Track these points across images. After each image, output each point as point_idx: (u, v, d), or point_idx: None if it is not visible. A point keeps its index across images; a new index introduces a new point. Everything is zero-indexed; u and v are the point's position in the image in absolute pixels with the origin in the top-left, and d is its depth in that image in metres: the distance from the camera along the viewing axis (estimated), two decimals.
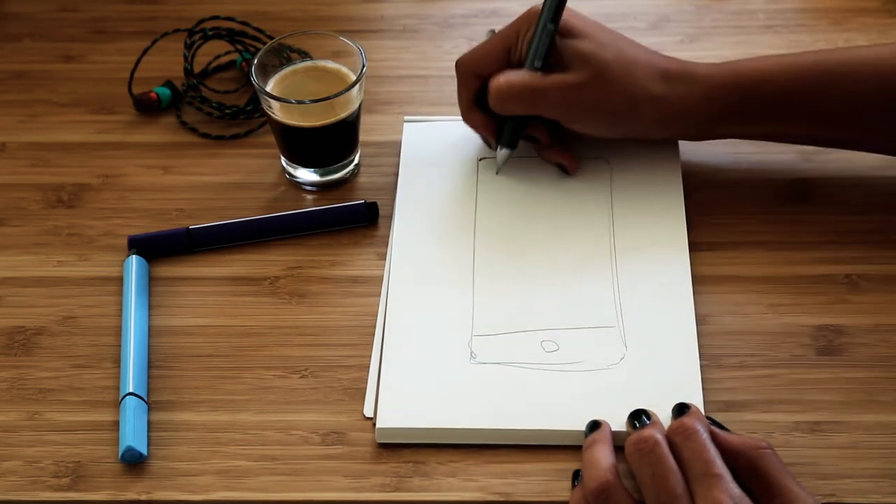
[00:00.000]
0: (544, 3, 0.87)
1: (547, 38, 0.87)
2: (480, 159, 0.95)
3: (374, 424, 0.80)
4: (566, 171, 0.92)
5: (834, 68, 0.87)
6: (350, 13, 1.09)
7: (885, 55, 0.86)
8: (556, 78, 0.87)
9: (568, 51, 0.87)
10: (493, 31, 0.92)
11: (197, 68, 1.03)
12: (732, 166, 0.94)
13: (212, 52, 1.04)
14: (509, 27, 0.90)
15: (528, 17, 0.89)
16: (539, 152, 0.93)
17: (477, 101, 0.91)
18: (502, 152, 0.91)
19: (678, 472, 0.72)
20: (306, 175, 0.94)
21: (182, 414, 0.82)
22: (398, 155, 0.96)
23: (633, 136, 0.91)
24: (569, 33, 0.88)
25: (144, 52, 1.02)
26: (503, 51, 0.90)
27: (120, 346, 0.85)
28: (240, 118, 1.00)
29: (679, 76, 0.88)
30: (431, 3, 1.09)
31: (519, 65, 0.89)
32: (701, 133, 0.90)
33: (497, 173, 0.93)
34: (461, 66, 0.91)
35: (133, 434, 0.79)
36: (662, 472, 0.72)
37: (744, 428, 0.79)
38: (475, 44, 1.03)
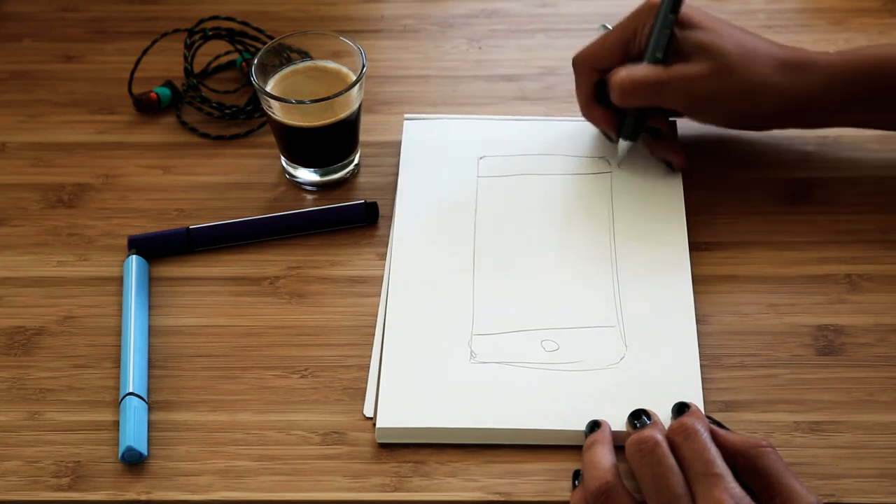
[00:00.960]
0: None
1: (667, 30, 0.88)
2: (481, 158, 0.95)
3: (374, 424, 0.80)
4: (671, 167, 0.92)
5: None
6: (350, 13, 1.09)
7: None
8: (678, 69, 0.87)
9: (688, 42, 0.88)
10: (604, 27, 0.92)
11: (197, 68, 1.03)
12: (733, 166, 0.94)
13: (212, 52, 1.04)
14: (627, 20, 0.90)
15: (646, 10, 0.89)
16: (649, 148, 0.93)
17: (596, 96, 0.91)
18: (623, 144, 0.92)
19: (679, 472, 0.72)
20: (306, 175, 0.94)
21: (182, 414, 0.82)
22: (398, 155, 0.96)
23: (754, 126, 0.91)
24: (688, 25, 0.88)
25: (144, 52, 1.02)
26: (622, 44, 0.90)
27: (120, 346, 0.85)
28: (240, 118, 1.00)
29: (799, 66, 0.88)
30: (431, 3, 1.09)
31: (638, 58, 0.89)
32: (821, 121, 0.91)
33: (619, 166, 0.93)
34: (580, 61, 0.91)
35: (133, 434, 0.79)
36: (663, 472, 0.72)
37: (744, 428, 0.79)
38: (475, 44, 1.04)
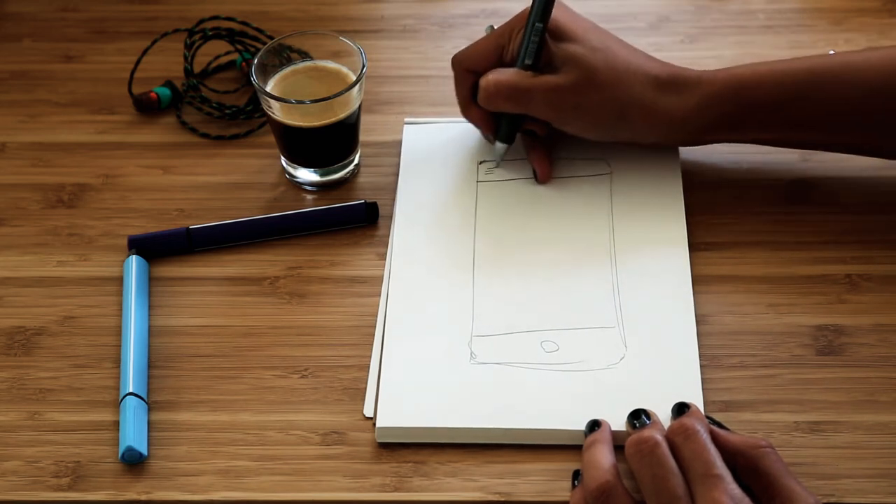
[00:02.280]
0: (532, 3, 0.88)
1: (536, 38, 0.88)
2: (480, 162, 0.95)
3: (374, 424, 0.80)
4: (535, 178, 0.93)
5: (824, 75, 0.87)
6: (350, 13, 1.09)
7: (874, 60, 0.86)
8: (543, 79, 0.88)
9: (559, 53, 0.88)
10: (492, 28, 0.92)
11: (197, 68, 1.03)
12: (732, 166, 0.94)
13: (212, 52, 1.04)
14: (504, 26, 0.90)
15: (521, 17, 0.89)
16: (526, 151, 0.93)
17: (474, 97, 0.91)
18: (499, 147, 0.92)
19: (678, 473, 0.72)
20: (306, 175, 0.94)
21: (182, 414, 0.82)
22: (398, 155, 0.96)
23: (623, 140, 0.91)
24: (562, 36, 0.88)
25: (144, 52, 1.02)
26: (496, 49, 0.90)
27: (120, 346, 0.85)
28: (240, 118, 1.00)
29: (670, 84, 0.88)
30: (431, 3, 1.09)
31: (511, 63, 0.89)
32: (692, 139, 0.91)
33: (496, 166, 0.93)
34: (456, 62, 0.92)
35: (133, 434, 0.79)
36: (663, 473, 0.72)
37: (744, 428, 0.79)
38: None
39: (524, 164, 0.94)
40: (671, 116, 0.87)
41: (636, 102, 0.87)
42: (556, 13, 0.88)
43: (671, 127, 0.88)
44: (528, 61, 0.88)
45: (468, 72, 0.91)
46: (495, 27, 0.92)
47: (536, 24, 0.87)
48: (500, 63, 0.90)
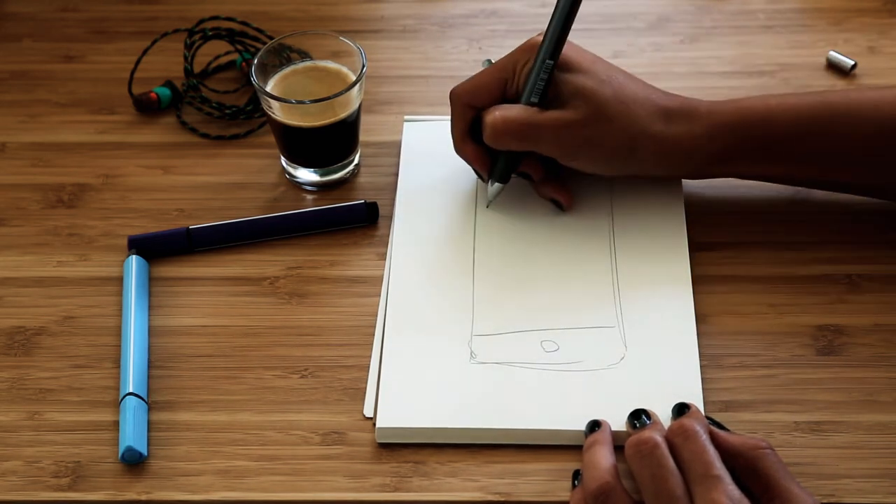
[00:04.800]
0: (544, 38, 0.85)
1: (545, 74, 0.85)
2: None
3: (374, 424, 0.80)
4: (560, 207, 0.90)
5: (836, 110, 0.85)
6: (350, 13, 1.09)
7: (888, 98, 0.84)
8: (552, 115, 0.85)
9: (566, 86, 0.85)
10: (489, 61, 0.89)
11: (197, 68, 1.03)
12: None
13: (212, 52, 1.04)
14: (506, 59, 0.87)
15: (526, 49, 0.86)
16: (534, 187, 0.91)
17: (470, 133, 0.89)
18: (494, 187, 0.89)
19: (678, 473, 0.72)
20: (306, 175, 0.95)
21: (182, 414, 0.82)
22: (398, 155, 0.96)
23: (631, 174, 0.89)
24: (567, 67, 0.86)
25: (144, 52, 1.02)
26: (499, 83, 0.87)
27: (120, 346, 0.85)
28: (240, 118, 1.00)
29: (679, 114, 0.85)
30: (431, 3, 1.09)
31: (515, 98, 0.87)
32: (700, 172, 0.88)
33: (487, 206, 0.91)
34: (455, 96, 0.88)
35: (133, 434, 0.79)
36: (662, 473, 0.72)
37: (744, 428, 0.79)
38: (475, 44, 1.04)
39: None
40: (681, 147, 0.85)
41: (646, 134, 0.85)
42: None
43: (680, 158, 0.86)
44: (534, 98, 0.85)
45: (468, 106, 0.88)
46: (493, 60, 0.89)
47: (547, 62, 0.85)
48: (503, 97, 0.87)
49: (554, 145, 0.86)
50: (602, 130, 0.85)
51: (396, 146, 0.97)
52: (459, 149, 0.90)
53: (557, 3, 0.85)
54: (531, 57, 0.86)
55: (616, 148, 0.85)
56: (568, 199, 0.90)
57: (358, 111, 0.92)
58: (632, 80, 0.87)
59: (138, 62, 1.02)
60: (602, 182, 0.92)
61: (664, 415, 0.78)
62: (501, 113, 0.86)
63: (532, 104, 0.85)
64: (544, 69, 0.85)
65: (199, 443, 0.80)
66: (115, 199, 0.95)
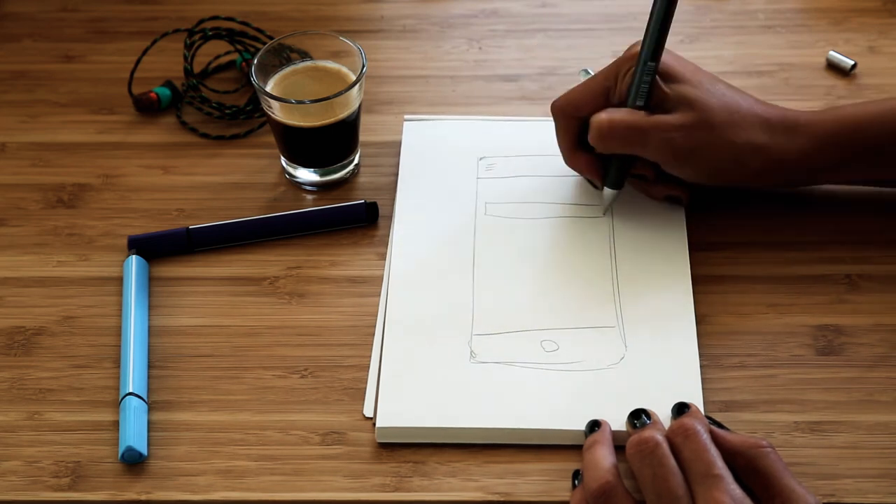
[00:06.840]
0: (643, 42, 0.85)
1: (648, 77, 0.85)
2: (481, 158, 0.95)
3: (374, 424, 0.80)
4: (678, 202, 0.90)
5: None
6: (350, 13, 1.09)
7: None
8: (659, 118, 0.85)
9: (672, 94, 0.85)
10: (586, 72, 0.90)
11: (197, 68, 1.03)
12: None
13: (212, 52, 1.04)
14: (609, 67, 0.87)
15: (628, 58, 0.86)
16: (646, 189, 0.91)
17: (578, 143, 0.89)
18: (608, 192, 0.89)
19: (679, 473, 0.72)
20: (306, 175, 0.95)
21: (182, 414, 0.82)
22: (398, 155, 0.96)
23: (733, 184, 0.88)
24: (673, 78, 0.86)
25: (144, 52, 1.02)
26: (603, 91, 0.87)
27: (120, 346, 0.85)
28: (240, 118, 1.00)
29: (780, 126, 0.85)
30: (431, 3, 1.09)
31: (620, 105, 0.87)
32: (803, 181, 0.89)
33: (604, 214, 0.91)
34: (558, 109, 0.88)
35: (133, 434, 0.79)
36: (663, 473, 0.72)
37: (744, 428, 0.79)
38: (475, 44, 1.04)
39: (525, 162, 0.94)
40: (785, 158, 0.85)
41: (752, 145, 0.85)
42: (663, 56, 0.85)
43: (784, 169, 0.86)
44: (639, 102, 0.85)
45: (572, 117, 0.88)
46: (590, 70, 0.89)
47: (649, 63, 0.84)
48: (607, 105, 0.87)
49: (659, 149, 0.85)
50: (709, 138, 0.85)
51: (396, 146, 0.97)
52: (569, 160, 0.90)
53: (654, 4, 0.85)
54: (633, 65, 0.86)
55: (720, 157, 0.85)
56: (685, 193, 0.90)
57: (358, 111, 0.92)
58: (733, 89, 0.87)
59: (138, 62, 1.02)
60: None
61: (664, 415, 0.78)
62: (608, 115, 0.85)
63: (638, 108, 0.85)
64: (646, 71, 0.85)
65: (199, 443, 0.80)
66: (115, 199, 0.95)
